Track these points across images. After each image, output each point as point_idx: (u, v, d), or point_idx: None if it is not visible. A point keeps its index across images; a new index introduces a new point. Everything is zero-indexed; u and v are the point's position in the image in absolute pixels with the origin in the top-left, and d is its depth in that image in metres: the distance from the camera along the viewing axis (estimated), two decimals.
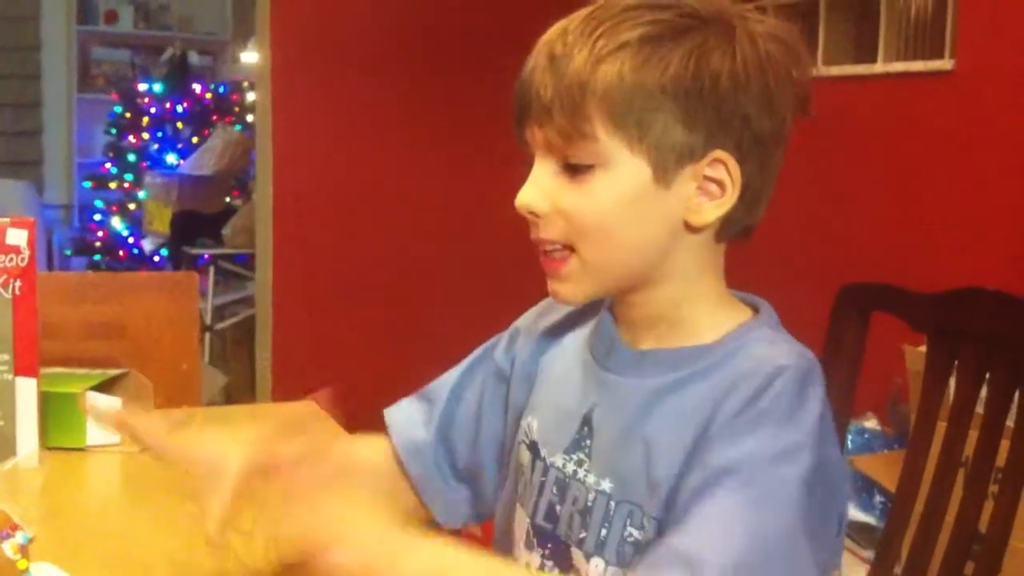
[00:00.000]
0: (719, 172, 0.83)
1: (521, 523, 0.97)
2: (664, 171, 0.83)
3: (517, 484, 0.99)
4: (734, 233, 0.88)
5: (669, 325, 0.89)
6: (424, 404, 1.07)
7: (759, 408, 0.79)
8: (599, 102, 0.81)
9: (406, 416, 1.07)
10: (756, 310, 0.90)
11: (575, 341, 0.98)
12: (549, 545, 0.93)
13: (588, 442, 0.91)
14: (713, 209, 0.84)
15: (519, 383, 1.01)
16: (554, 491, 0.93)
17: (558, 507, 0.92)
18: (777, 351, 0.84)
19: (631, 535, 0.85)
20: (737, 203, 0.84)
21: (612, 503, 0.87)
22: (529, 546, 0.95)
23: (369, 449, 1.08)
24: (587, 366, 0.94)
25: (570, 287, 0.88)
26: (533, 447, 0.96)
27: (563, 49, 0.83)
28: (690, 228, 0.85)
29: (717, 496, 0.77)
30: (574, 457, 0.92)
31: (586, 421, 0.91)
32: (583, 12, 0.85)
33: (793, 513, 0.77)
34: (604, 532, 0.87)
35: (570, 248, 0.86)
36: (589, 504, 0.89)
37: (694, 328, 0.88)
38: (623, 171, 0.83)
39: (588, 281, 0.87)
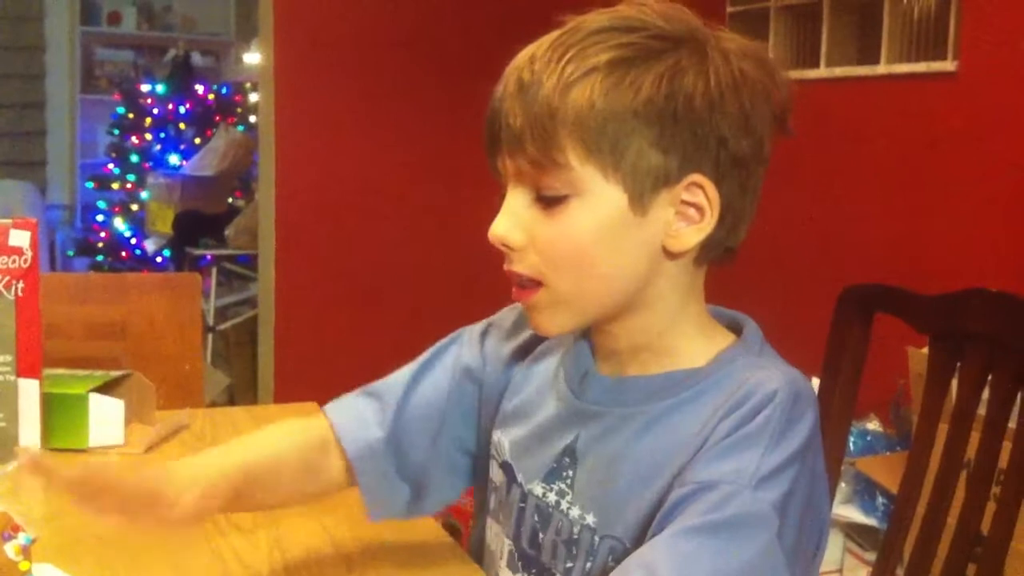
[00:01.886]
0: (697, 196, 0.82)
1: (499, 540, 0.96)
2: (640, 197, 0.81)
3: (489, 497, 0.98)
4: (714, 256, 0.86)
5: (653, 353, 0.87)
6: (374, 402, 1.03)
7: (746, 431, 0.78)
8: (571, 129, 0.79)
9: (355, 414, 1.03)
10: (739, 330, 0.89)
11: (548, 361, 0.96)
12: (533, 570, 0.92)
13: (570, 472, 0.89)
14: (692, 234, 0.83)
15: (491, 388, 1.00)
16: (535, 519, 0.92)
17: (541, 535, 0.91)
18: (766, 375, 0.81)
19: (613, 567, 0.84)
20: (717, 226, 0.82)
21: (596, 537, 0.86)
22: (513, 567, 0.94)
23: (283, 431, 1.04)
24: (561, 393, 0.92)
25: (545, 318, 0.86)
26: (507, 468, 0.95)
27: (531, 76, 0.81)
28: (669, 254, 0.83)
29: (692, 512, 0.76)
30: (554, 487, 0.90)
31: (568, 452, 0.90)
32: (550, 37, 0.83)
33: (768, 537, 0.76)
34: (589, 564, 0.86)
35: (537, 282, 0.84)
36: (575, 536, 0.88)
37: (678, 355, 0.87)
38: (598, 199, 0.81)
39: (563, 313, 0.85)
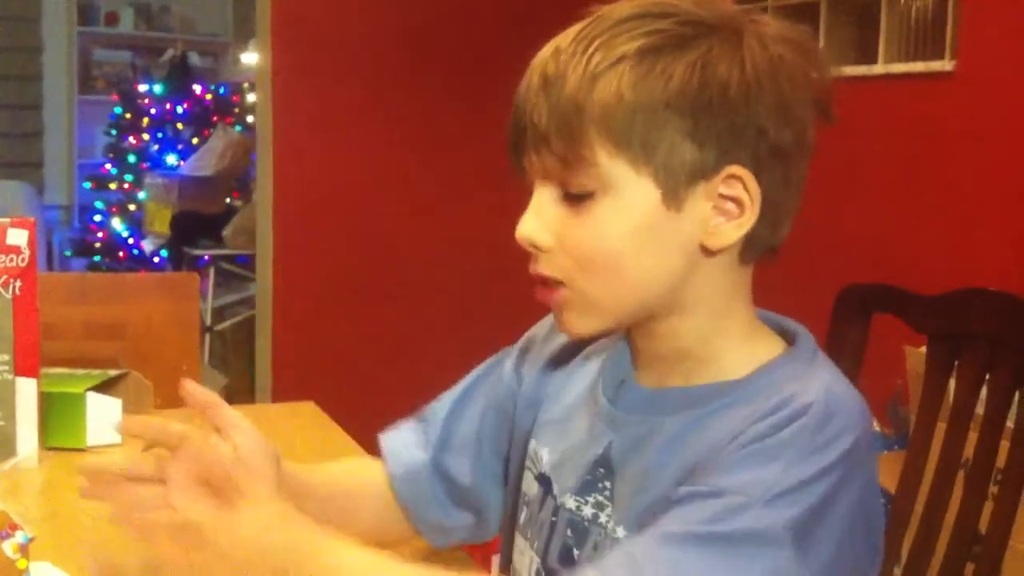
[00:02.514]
0: (735, 189, 0.77)
1: (525, 556, 0.92)
2: (674, 192, 0.77)
3: (518, 512, 0.94)
4: (760, 253, 0.81)
5: (697, 362, 0.82)
6: (420, 425, 1.01)
7: (772, 442, 0.73)
8: (598, 124, 0.76)
9: (401, 440, 1.01)
10: (792, 339, 0.84)
11: (585, 368, 0.92)
12: None
13: (607, 484, 0.84)
14: (732, 230, 0.78)
15: (525, 402, 0.96)
16: (568, 534, 0.87)
17: (575, 551, 0.86)
18: (804, 386, 0.76)
19: None
20: (759, 221, 0.78)
21: None
22: None
23: (360, 470, 1.04)
24: (598, 402, 0.87)
25: (574, 319, 0.82)
26: (544, 480, 0.90)
27: (556, 70, 0.77)
28: (708, 252, 0.79)
29: (692, 515, 0.72)
30: (590, 500, 0.85)
31: (603, 463, 0.85)
32: (576, 28, 0.79)
33: (773, 560, 0.70)
34: None
35: (560, 283, 0.80)
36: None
37: (724, 365, 0.81)
38: (629, 196, 0.77)
39: (591, 314, 0.81)
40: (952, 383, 1.25)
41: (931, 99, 2.71)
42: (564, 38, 0.79)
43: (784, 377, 0.79)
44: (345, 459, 1.06)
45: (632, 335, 0.86)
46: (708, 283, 0.80)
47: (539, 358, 0.96)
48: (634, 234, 0.78)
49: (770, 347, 0.83)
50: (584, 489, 0.86)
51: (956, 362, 1.24)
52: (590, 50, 0.77)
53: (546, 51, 0.80)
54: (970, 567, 1.18)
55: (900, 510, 1.27)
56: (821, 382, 0.77)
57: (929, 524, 1.24)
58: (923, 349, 1.31)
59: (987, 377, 1.21)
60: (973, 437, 1.21)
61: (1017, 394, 1.18)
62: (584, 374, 0.92)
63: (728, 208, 0.78)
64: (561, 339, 0.95)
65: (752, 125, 0.77)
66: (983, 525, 1.18)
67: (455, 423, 0.99)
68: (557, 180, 0.79)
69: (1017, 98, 2.47)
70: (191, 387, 0.84)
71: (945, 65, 2.64)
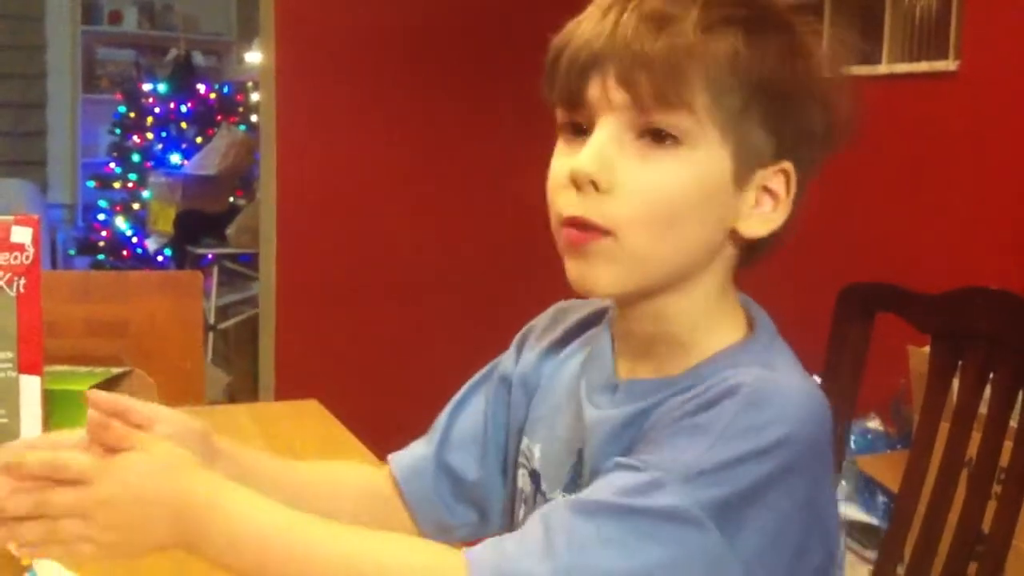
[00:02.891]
0: (779, 184, 0.78)
1: None
2: (743, 171, 0.76)
3: (516, 509, 0.93)
4: (757, 254, 0.81)
5: (676, 347, 0.81)
6: (427, 435, 1.00)
7: (696, 421, 0.72)
8: (708, 74, 0.73)
9: (410, 448, 1.00)
10: (751, 325, 0.82)
11: (571, 362, 0.91)
12: None
13: (582, 480, 0.84)
14: (761, 223, 0.78)
15: (519, 391, 0.95)
16: None
17: None
18: (743, 371, 0.75)
19: None
20: (783, 221, 0.79)
21: None
22: None
23: (352, 470, 1.02)
24: (579, 397, 0.87)
25: (605, 272, 0.77)
26: (535, 477, 0.91)
27: (664, 6, 0.74)
28: (737, 237, 0.79)
29: (608, 484, 0.71)
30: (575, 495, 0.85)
31: (580, 457, 0.85)
32: None
33: (686, 543, 0.69)
34: None
35: (606, 232, 0.75)
36: None
37: (698, 352, 0.80)
38: (708, 158, 0.75)
39: (624, 270, 0.76)
40: (955, 383, 1.25)
41: (935, 99, 2.70)
42: None
43: (730, 364, 0.77)
44: (334, 460, 1.02)
45: (621, 316, 0.84)
46: (718, 267, 0.80)
47: (536, 346, 0.96)
48: (698, 195, 0.75)
49: (734, 336, 0.81)
50: (570, 484, 0.86)
51: (959, 361, 1.24)
52: (699, 1, 0.75)
53: None
54: (973, 566, 1.18)
55: (903, 509, 1.27)
56: (762, 368, 0.76)
57: (932, 523, 1.24)
58: (926, 349, 1.31)
59: (990, 376, 1.20)
60: (976, 437, 1.21)
61: (1020, 394, 1.18)
62: (570, 368, 0.91)
63: (765, 201, 0.78)
64: (557, 332, 0.95)
65: (810, 129, 0.77)
66: (986, 525, 1.17)
67: (458, 419, 0.98)
68: (640, 119, 0.75)
69: (1020, 98, 2.47)
70: (93, 395, 0.81)
71: (949, 65, 2.64)
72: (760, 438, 0.71)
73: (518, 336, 0.99)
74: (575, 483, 0.85)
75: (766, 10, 0.77)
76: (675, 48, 0.73)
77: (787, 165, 0.77)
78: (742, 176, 0.76)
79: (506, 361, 0.98)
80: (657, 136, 0.75)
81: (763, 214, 0.78)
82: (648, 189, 0.75)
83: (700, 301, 0.80)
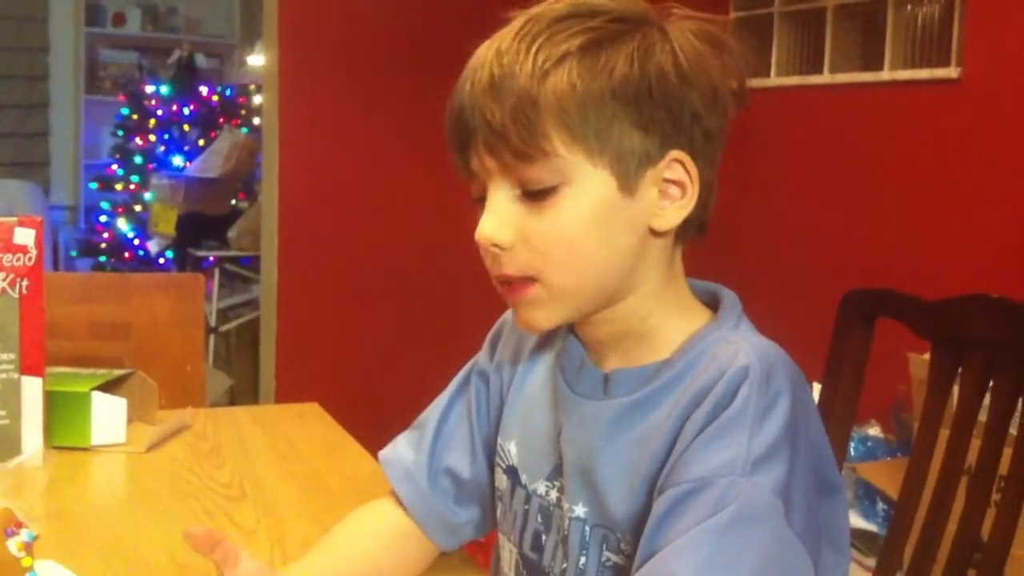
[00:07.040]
0: (678, 173, 0.81)
1: (505, 550, 0.94)
2: (628, 179, 0.80)
3: (497, 508, 0.96)
4: (693, 232, 0.85)
5: (636, 340, 0.85)
6: (414, 433, 1.02)
7: (727, 416, 0.76)
8: (554, 116, 0.78)
9: (399, 449, 1.02)
10: (716, 304, 0.87)
11: (545, 359, 0.94)
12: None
13: (565, 469, 0.87)
14: (676, 212, 0.82)
15: (496, 387, 0.98)
16: (539, 520, 0.90)
17: (543, 536, 0.89)
18: (734, 350, 0.79)
19: (609, 559, 0.83)
20: (696, 202, 0.82)
21: (587, 528, 0.84)
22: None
23: (370, 529, 1.03)
24: (557, 389, 0.90)
25: (542, 314, 0.83)
26: (512, 472, 0.93)
27: (502, 69, 0.80)
28: (655, 233, 0.82)
29: (696, 512, 0.73)
30: (556, 484, 0.88)
31: (560, 445, 0.88)
32: (511, 30, 0.83)
33: (776, 523, 0.73)
34: (583, 560, 0.84)
35: (531, 279, 0.82)
36: (566, 532, 0.86)
37: (660, 340, 0.84)
38: (588, 186, 0.79)
39: (559, 306, 0.83)
40: (955, 389, 1.25)
41: (936, 106, 2.71)
42: (502, 40, 0.83)
43: (712, 342, 0.82)
44: (344, 525, 1.03)
45: (580, 324, 0.88)
46: (652, 264, 0.84)
47: (507, 347, 0.99)
48: (596, 222, 0.80)
49: (698, 317, 0.86)
50: (553, 473, 0.89)
51: (959, 368, 1.24)
52: (533, 48, 0.80)
53: (485, 53, 0.84)
54: (972, 574, 1.18)
55: (903, 516, 1.27)
56: (749, 343, 0.80)
57: (931, 531, 1.24)
58: (927, 356, 1.31)
59: (990, 383, 1.21)
60: (976, 444, 1.21)
61: (1020, 401, 1.18)
62: (543, 362, 0.94)
63: (672, 191, 0.82)
64: (522, 335, 0.98)
65: (688, 111, 0.80)
66: (985, 532, 1.18)
67: (446, 420, 1.01)
68: (514, 178, 0.81)
69: (1022, 105, 2.48)
70: (195, 531, 0.87)
71: (950, 72, 2.64)
72: (779, 408, 0.76)
73: (491, 332, 1.02)
74: (558, 472, 0.88)
75: (600, 29, 0.80)
76: (518, 107, 0.78)
77: (677, 153, 0.81)
78: (629, 185, 0.80)
79: (482, 357, 1.01)
80: (534, 195, 0.80)
81: (674, 204, 0.82)
82: (547, 238, 0.80)
83: (649, 296, 0.84)
